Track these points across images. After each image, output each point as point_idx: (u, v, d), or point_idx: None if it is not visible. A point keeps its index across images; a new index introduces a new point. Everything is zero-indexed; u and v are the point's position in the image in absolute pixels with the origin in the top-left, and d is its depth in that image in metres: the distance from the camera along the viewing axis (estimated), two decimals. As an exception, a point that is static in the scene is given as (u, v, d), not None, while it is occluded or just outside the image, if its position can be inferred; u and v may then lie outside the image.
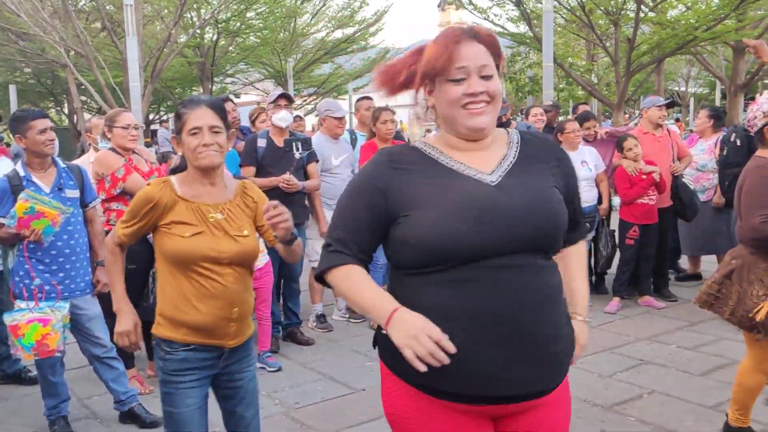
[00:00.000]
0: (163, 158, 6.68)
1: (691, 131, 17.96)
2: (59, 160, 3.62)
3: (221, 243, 2.31)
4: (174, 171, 2.52)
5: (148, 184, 2.41)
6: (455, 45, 1.63)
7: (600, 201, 5.86)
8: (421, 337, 1.50)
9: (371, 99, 6.26)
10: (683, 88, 34.41)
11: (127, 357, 4.05)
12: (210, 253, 2.28)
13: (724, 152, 5.12)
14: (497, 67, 1.68)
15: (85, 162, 4.54)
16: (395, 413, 1.77)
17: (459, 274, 1.61)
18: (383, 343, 1.74)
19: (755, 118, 3.05)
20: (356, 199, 1.76)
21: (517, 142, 1.78)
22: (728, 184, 5.02)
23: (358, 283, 1.69)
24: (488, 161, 1.71)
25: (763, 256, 2.97)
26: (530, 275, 1.64)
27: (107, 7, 18.27)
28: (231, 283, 2.32)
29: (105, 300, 3.75)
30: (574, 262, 1.95)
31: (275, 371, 4.50)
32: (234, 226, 2.36)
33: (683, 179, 6.07)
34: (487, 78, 1.65)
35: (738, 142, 4.89)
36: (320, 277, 1.78)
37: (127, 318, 2.43)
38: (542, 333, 1.65)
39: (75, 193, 3.58)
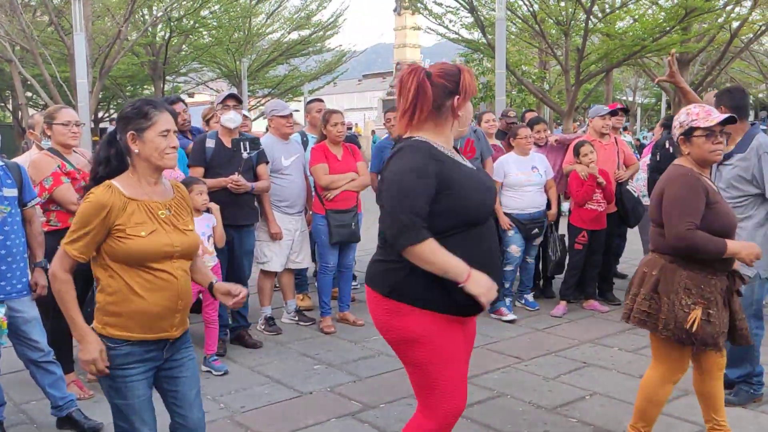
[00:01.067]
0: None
1: (638, 140, 18.46)
2: (-3, 158, 3.51)
3: (173, 238, 2.40)
4: (97, 179, 2.41)
5: (89, 195, 2.33)
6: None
7: (549, 206, 5.97)
8: (492, 289, 2.33)
9: (322, 101, 6.24)
10: (631, 98, 35.38)
11: (65, 361, 3.94)
12: (165, 248, 2.37)
13: (657, 157, 5.27)
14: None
15: (26, 160, 4.39)
16: (424, 332, 2.39)
17: (472, 232, 2.39)
18: (409, 288, 2.38)
19: (674, 128, 3.12)
20: (425, 181, 2.31)
21: None
22: None
23: (441, 251, 2.29)
24: (456, 154, 2.49)
25: (682, 264, 2.96)
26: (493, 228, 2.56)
27: (54, 1, 17.77)
28: (180, 275, 2.42)
29: (42, 303, 3.66)
30: None
31: (221, 375, 4.44)
32: (181, 221, 2.47)
33: (629, 185, 6.23)
34: None
35: (671, 149, 5.06)
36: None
37: (91, 346, 2.33)
38: (500, 269, 2.71)
39: (12, 192, 3.46)
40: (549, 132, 6.66)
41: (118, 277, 2.34)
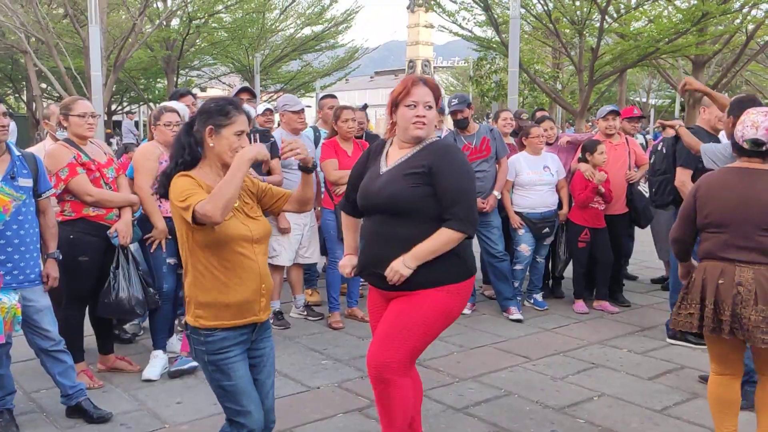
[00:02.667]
0: (125, 149, 6.56)
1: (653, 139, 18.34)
2: (14, 148, 3.53)
3: (249, 223, 2.55)
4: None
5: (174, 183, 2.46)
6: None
7: (560, 206, 5.95)
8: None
9: (335, 97, 6.24)
10: (644, 99, 35.17)
11: (76, 350, 3.97)
12: (245, 232, 2.51)
13: (652, 160, 5.27)
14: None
15: (41, 150, 4.43)
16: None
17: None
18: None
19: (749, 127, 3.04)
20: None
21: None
22: (655, 191, 5.18)
23: None
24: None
25: None
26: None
27: (71, -7, 17.85)
28: (260, 259, 2.57)
29: (54, 292, 3.69)
30: None
31: (230, 368, 4.46)
32: (250, 209, 2.61)
33: (641, 186, 6.19)
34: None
35: (664, 150, 5.04)
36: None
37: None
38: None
39: (28, 182, 3.49)
40: (555, 130, 6.64)
41: (206, 270, 2.47)
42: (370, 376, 2.91)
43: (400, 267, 2.77)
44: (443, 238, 2.78)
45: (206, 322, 2.50)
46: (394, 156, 2.95)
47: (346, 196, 3.17)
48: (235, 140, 2.51)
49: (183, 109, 4.85)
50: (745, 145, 3.04)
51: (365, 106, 6.73)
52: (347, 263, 3.13)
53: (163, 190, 2.56)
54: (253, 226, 2.56)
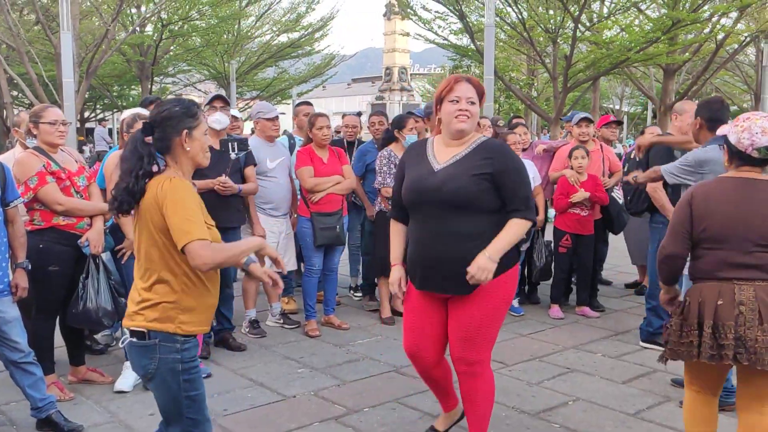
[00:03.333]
0: (98, 157, 6.50)
1: (626, 147, 18.57)
2: (-21, 156, 3.47)
3: (213, 231, 2.50)
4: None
5: (168, 185, 2.39)
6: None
7: (536, 213, 5.99)
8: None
9: (311, 104, 6.24)
10: (618, 107, 35.65)
11: (46, 362, 3.90)
12: (216, 237, 2.50)
13: (626, 168, 5.36)
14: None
15: (10, 158, 4.36)
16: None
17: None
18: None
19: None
20: None
21: None
22: (630, 198, 5.25)
23: None
24: None
25: None
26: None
27: (42, 0, 17.63)
28: None
29: (24, 303, 3.63)
30: None
31: (204, 377, 4.39)
32: (207, 217, 2.54)
33: (614, 193, 6.27)
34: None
35: (637, 159, 5.12)
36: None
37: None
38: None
39: (-6, 191, 3.43)
40: (529, 135, 6.70)
41: (192, 273, 2.42)
42: (459, 372, 3.14)
43: (487, 263, 2.87)
44: (517, 228, 2.98)
45: (188, 327, 2.43)
46: (444, 153, 3.06)
47: (395, 203, 3.27)
48: (204, 140, 2.52)
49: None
50: (756, 154, 2.80)
51: (359, 114, 6.75)
52: (397, 276, 3.21)
53: (127, 207, 2.42)
54: (213, 233, 2.50)
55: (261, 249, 2.54)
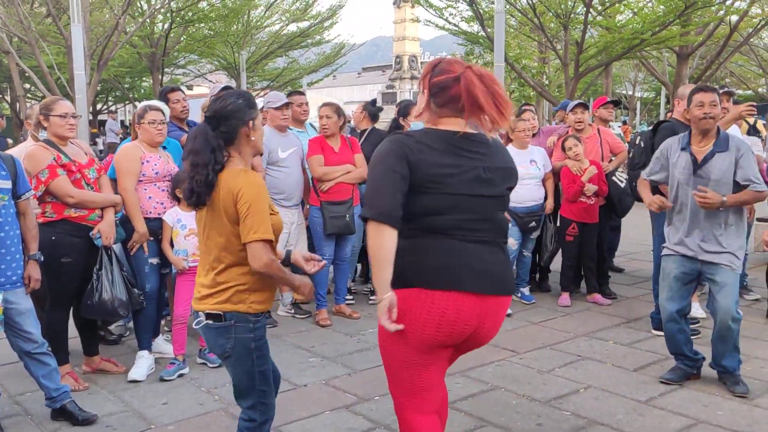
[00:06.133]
0: (110, 149, 6.52)
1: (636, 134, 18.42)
2: (-9, 149, 3.50)
3: (276, 217, 2.61)
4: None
5: (242, 179, 2.48)
6: None
7: (546, 198, 5.97)
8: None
9: (303, 94, 6.15)
10: (630, 92, 35.30)
11: (60, 353, 3.94)
12: (280, 225, 2.64)
13: (631, 154, 5.31)
14: None
15: (22, 151, 4.38)
16: None
17: None
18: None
19: None
20: None
21: None
22: (634, 185, 5.21)
23: None
24: None
25: None
26: None
27: (52, -8, 17.67)
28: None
29: (38, 294, 3.66)
30: None
31: (216, 367, 4.44)
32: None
33: (616, 176, 6.16)
34: None
35: (642, 144, 5.07)
36: None
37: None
38: None
39: (7, 184, 3.45)
40: (536, 121, 6.64)
41: None
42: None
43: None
44: None
45: (259, 306, 2.55)
46: None
47: None
48: (262, 128, 2.65)
49: (166, 108, 4.83)
50: None
51: (374, 102, 6.72)
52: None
53: (204, 199, 2.48)
54: (276, 218, 2.62)
55: (301, 287, 2.66)
